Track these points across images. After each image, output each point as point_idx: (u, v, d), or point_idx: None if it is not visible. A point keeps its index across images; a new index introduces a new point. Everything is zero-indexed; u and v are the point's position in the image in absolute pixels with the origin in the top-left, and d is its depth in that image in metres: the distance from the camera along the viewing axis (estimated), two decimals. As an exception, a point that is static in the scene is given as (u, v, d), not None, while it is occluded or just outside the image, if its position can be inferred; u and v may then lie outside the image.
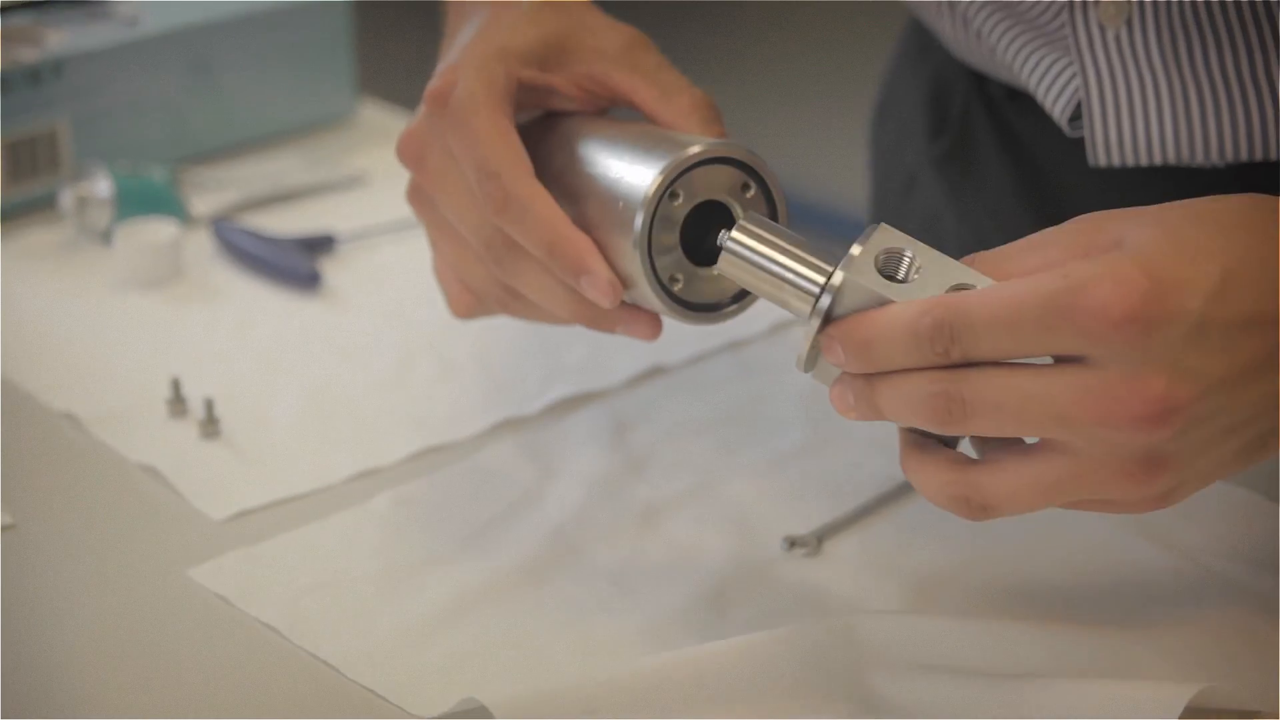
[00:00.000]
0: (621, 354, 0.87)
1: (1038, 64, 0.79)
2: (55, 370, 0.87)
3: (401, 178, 1.10)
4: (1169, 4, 0.74)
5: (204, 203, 1.04)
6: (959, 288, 0.58)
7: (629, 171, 0.65)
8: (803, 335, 0.60)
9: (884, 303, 0.58)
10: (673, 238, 0.65)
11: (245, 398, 0.84)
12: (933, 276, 0.58)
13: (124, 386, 0.85)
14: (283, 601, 0.69)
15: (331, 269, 0.98)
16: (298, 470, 0.78)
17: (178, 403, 0.83)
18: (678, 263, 0.65)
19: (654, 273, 0.65)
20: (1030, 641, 0.65)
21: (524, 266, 0.68)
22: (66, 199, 1.00)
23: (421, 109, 0.71)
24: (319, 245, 1.00)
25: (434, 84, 0.71)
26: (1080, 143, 0.80)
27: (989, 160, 0.94)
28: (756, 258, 0.61)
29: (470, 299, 0.73)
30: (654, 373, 0.86)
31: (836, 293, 0.59)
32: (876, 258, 0.59)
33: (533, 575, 0.71)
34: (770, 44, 2.81)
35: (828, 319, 0.59)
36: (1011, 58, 0.81)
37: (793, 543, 0.72)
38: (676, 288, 0.66)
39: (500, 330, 0.91)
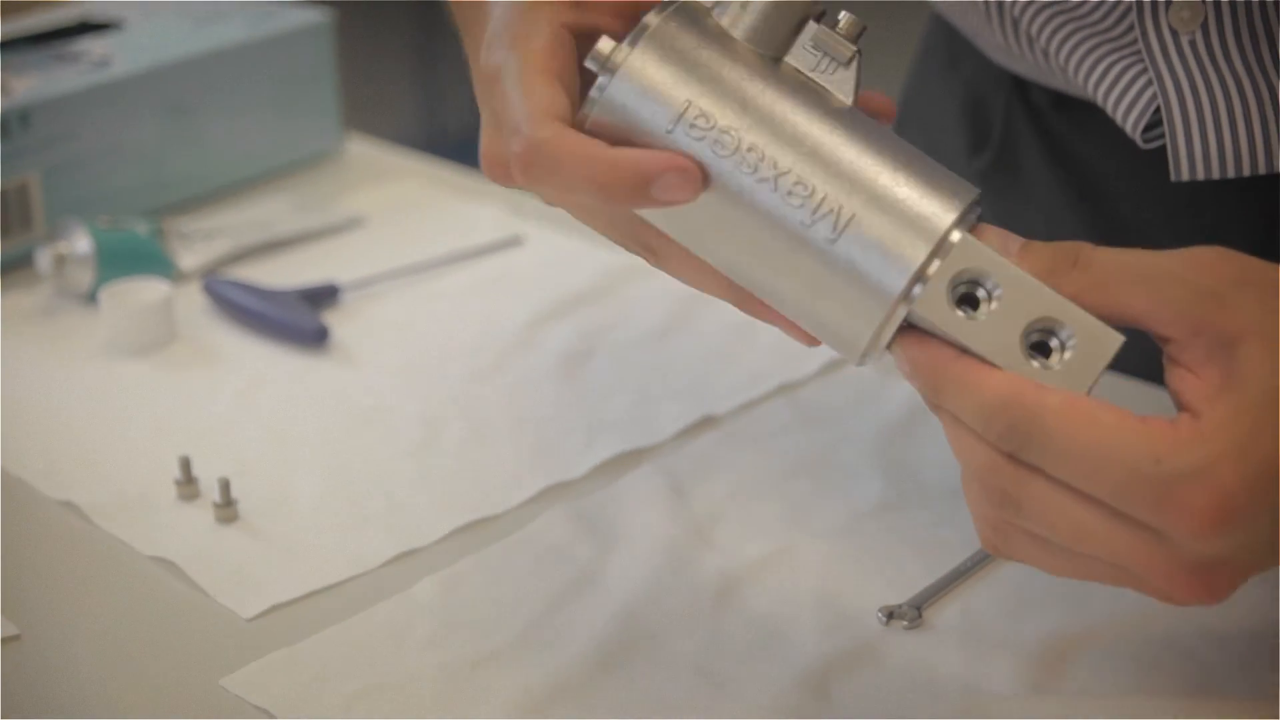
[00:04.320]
0: (666, 403, 0.81)
1: (1105, 73, 0.73)
2: (48, 452, 0.79)
3: (399, 218, 1.03)
4: (1246, 6, 0.68)
5: (191, 256, 0.97)
6: (1041, 330, 0.53)
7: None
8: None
9: (955, 341, 0.54)
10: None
11: (261, 474, 0.76)
12: (1012, 307, 0.53)
13: (126, 468, 0.78)
14: (331, 711, 0.62)
15: (337, 322, 0.90)
16: (329, 556, 0.71)
17: (188, 484, 0.75)
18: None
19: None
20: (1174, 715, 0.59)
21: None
22: (43, 259, 0.92)
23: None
24: (322, 296, 0.92)
25: (479, 71, 0.61)
26: (1137, 152, 0.74)
27: (1036, 172, 0.88)
28: None
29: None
30: (703, 424, 0.80)
31: (913, 309, 0.54)
32: (955, 276, 0.54)
33: (606, 666, 0.63)
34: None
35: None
36: (1074, 66, 0.75)
37: (891, 614, 0.65)
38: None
39: (532, 382, 0.84)
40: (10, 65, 1.01)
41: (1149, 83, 0.72)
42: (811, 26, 0.57)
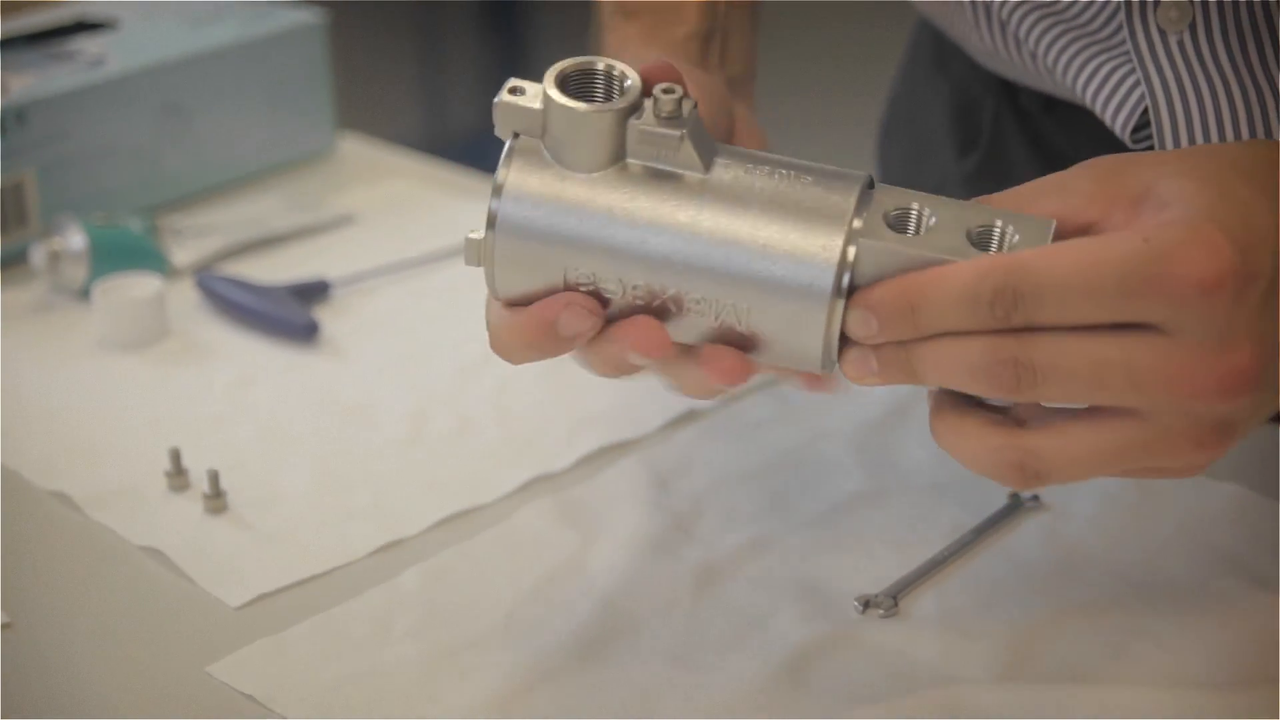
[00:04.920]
0: (652, 398, 0.82)
1: (1094, 74, 0.74)
2: (41, 445, 0.80)
3: (391, 216, 1.05)
4: (1234, 6, 0.69)
5: (185, 252, 0.98)
6: (981, 230, 0.55)
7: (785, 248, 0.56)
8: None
9: (908, 263, 0.54)
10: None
11: (250, 466, 0.78)
12: (949, 222, 0.55)
13: (117, 460, 0.79)
14: (314, 697, 0.63)
15: (328, 317, 0.91)
16: (316, 546, 0.72)
17: (178, 476, 0.76)
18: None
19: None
20: (1145, 704, 0.60)
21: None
22: (38, 255, 0.94)
23: None
24: (313, 292, 0.93)
25: None
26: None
27: (1025, 174, 0.88)
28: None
29: None
30: (688, 417, 0.81)
31: (855, 262, 0.55)
32: (885, 215, 0.55)
33: (586, 654, 0.64)
34: (769, 53, 2.76)
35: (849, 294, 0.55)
36: (1063, 67, 0.75)
37: (867, 603, 0.66)
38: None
39: (518, 377, 0.85)
40: (7, 64, 1.02)
41: (1137, 83, 0.73)
42: (633, 125, 0.56)
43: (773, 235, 0.55)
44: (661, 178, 0.56)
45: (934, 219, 0.55)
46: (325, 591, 0.69)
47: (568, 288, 0.57)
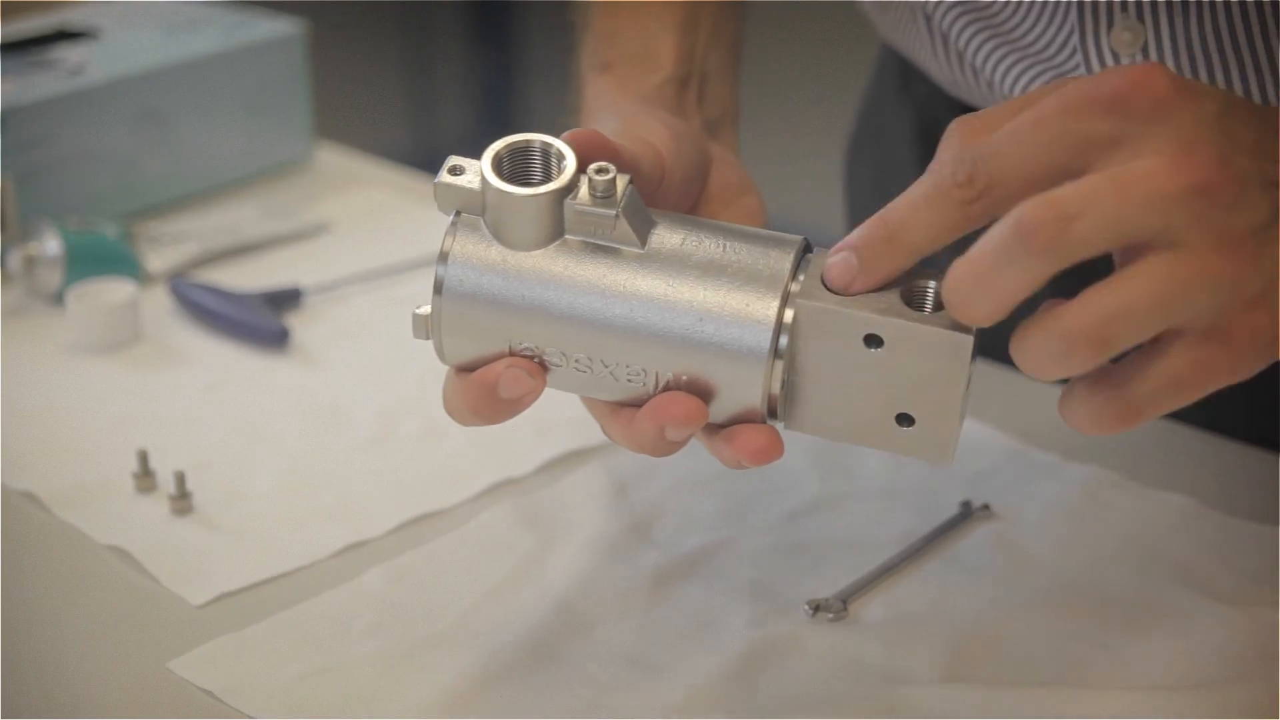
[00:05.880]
0: (614, 406, 0.83)
1: None
2: (10, 445, 0.81)
3: (365, 225, 1.06)
4: (1185, 28, 0.71)
5: (160, 259, 0.99)
6: (916, 288, 0.56)
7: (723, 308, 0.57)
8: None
9: (844, 322, 0.55)
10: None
11: (218, 469, 0.79)
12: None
13: (86, 461, 0.80)
14: (273, 693, 0.64)
15: (299, 324, 0.93)
16: (280, 547, 0.73)
17: (146, 477, 0.77)
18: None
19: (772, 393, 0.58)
20: (1088, 706, 0.61)
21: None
22: (13, 260, 0.95)
23: None
24: (285, 299, 0.95)
25: None
26: None
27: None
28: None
29: None
30: (650, 425, 0.82)
31: (793, 324, 0.56)
32: (823, 277, 0.56)
33: (542, 653, 0.66)
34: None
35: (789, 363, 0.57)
36: (1019, 94, 0.77)
37: (817, 607, 0.67)
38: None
39: (484, 385, 0.86)
40: (-14, 71, 1.03)
41: None
42: (569, 205, 0.57)
43: (709, 301, 0.57)
44: (600, 251, 0.58)
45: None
46: (288, 591, 0.70)
47: (513, 355, 0.59)
